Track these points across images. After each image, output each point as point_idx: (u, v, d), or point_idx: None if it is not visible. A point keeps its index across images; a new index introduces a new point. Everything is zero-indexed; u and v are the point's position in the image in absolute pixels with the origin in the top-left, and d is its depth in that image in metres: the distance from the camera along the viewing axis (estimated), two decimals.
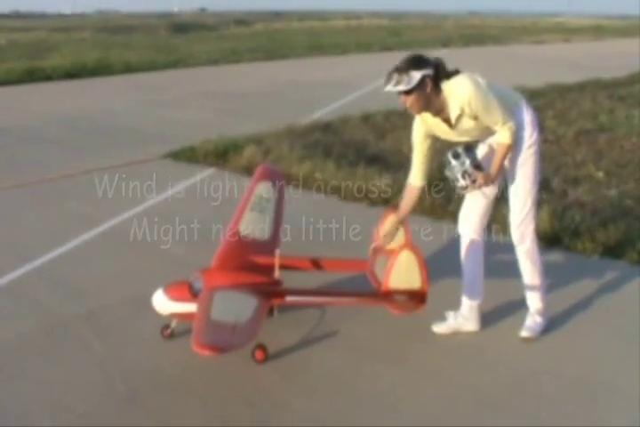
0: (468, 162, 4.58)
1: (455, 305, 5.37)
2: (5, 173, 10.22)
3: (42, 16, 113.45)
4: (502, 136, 4.51)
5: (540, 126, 4.86)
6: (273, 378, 4.56)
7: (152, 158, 10.91)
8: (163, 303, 4.86)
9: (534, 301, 5.11)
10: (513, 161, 4.73)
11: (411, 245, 4.94)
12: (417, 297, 4.80)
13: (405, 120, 12.31)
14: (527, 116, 4.68)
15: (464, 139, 4.73)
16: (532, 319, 5.11)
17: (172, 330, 4.89)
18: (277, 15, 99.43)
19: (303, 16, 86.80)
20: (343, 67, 25.11)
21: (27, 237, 7.38)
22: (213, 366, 4.67)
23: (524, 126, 4.65)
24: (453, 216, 7.14)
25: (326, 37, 40.37)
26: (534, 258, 4.97)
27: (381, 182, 8.34)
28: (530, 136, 4.67)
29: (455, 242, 6.67)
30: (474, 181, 4.61)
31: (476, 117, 4.49)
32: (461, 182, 4.64)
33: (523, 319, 5.16)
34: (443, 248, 6.73)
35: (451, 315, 5.24)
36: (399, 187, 8.03)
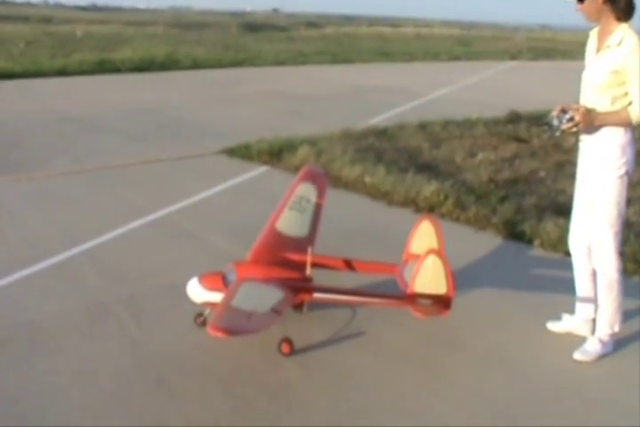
0: (566, 116, 4.53)
1: (486, 315, 5.48)
2: (67, 159, 10.58)
3: (118, 10, 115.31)
4: (633, 110, 4.48)
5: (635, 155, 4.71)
6: (297, 372, 4.66)
7: (208, 153, 11.13)
8: (196, 292, 5.02)
9: (603, 326, 4.96)
10: (598, 180, 4.70)
11: (438, 250, 5.02)
12: (442, 302, 4.85)
13: (462, 130, 12.44)
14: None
15: (589, 93, 4.67)
16: (593, 344, 4.96)
17: (204, 318, 5.03)
18: (348, 19, 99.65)
19: (374, 21, 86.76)
20: (408, 74, 25.13)
21: (80, 221, 7.63)
22: (240, 356, 4.81)
23: (626, 145, 4.62)
24: (496, 228, 7.27)
25: (395, 44, 40.37)
26: (611, 282, 4.83)
27: (428, 189, 8.38)
28: (621, 156, 4.61)
29: (494, 254, 6.80)
30: (570, 119, 4.50)
31: (618, 72, 4.47)
32: (556, 122, 4.55)
33: (571, 339, 5.12)
34: (480, 259, 6.77)
35: (566, 316, 5.28)
36: (445, 195, 8.15)
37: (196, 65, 24.93)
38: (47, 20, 53.74)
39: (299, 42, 39.76)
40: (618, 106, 4.55)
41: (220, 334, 4.06)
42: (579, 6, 4.62)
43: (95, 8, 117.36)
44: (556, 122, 4.56)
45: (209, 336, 4.10)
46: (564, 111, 4.55)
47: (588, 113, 4.53)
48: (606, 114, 4.56)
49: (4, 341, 5.00)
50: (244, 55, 28.33)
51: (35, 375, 4.56)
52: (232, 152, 11.11)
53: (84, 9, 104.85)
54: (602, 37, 4.65)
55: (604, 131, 4.59)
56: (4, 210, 8.00)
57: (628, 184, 4.70)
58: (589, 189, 4.79)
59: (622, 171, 4.62)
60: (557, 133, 4.64)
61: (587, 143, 4.76)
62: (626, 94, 4.53)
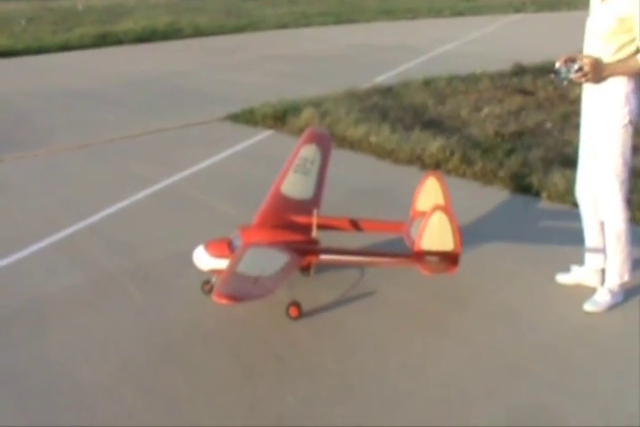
0: (575, 65, 4.46)
1: (495, 270, 5.46)
2: (72, 133, 10.57)
3: None
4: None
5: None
6: (305, 335, 4.66)
7: (212, 120, 11.07)
8: (203, 259, 5.00)
9: (612, 277, 4.92)
10: (602, 130, 4.63)
11: (444, 206, 4.97)
12: (449, 259, 4.80)
13: (467, 85, 12.32)
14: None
15: (593, 41, 4.56)
16: (602, 295, 4.92)
17: (211, 285, 5.01)
18: None
19: None
20: (412, 31, 24.82)
21: (84, 195, 7.62)
22: (248, 321, 4.81)
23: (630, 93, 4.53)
24: (503, 182, 7.21)
25: (397, 2, 39.82)
26: (619, 232, 4.77)
27: (434, 146, 8.30)
28: (625, 105, 4.52)
29: (502, 208, 6.75)
30: (579, 69, 4.40)
31: (624, 19, 4.35)
32: (564, 71, 4.45)
33: (581, 291, 5.08)
34: (487, 213, 6.72)
35: (575, 268, 5.24)
36: (451, 150, 8.08)
37: (198, 33, 24.73)
38: None
39: (301, 4, 39.25)
40: (623, 54, 4.45)
41: (224, 301, 4.04)
42: None
43: None
44: (563, 71, 4.47)
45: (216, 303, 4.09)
46: (571, 61, 4.46)
47: (597, 63, 4.43)
48: (615, 64, 4.46)
49: (13, 317, 5.02)
50: (246, 20, 28.08)
51: (44, 350, 4.58)
52: (236, 118, 11.05)
53: None
54: None
55: (608, 80, 4.50)
56: (9, 188, 8.01)
57: (633, 133, 4.61)
58: (594, 140, 4.72)
59: (626, 120, 4.54)
60: (565, 83, 4.57)
61: (590, 93, 4.68)
62: (631, 42, 4.42)
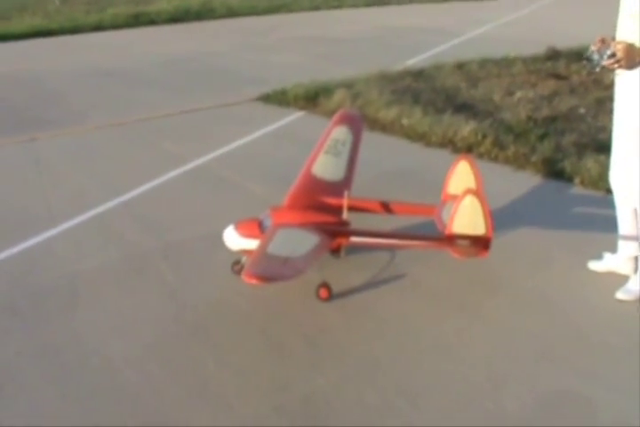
0: (607, 51, 4.40)
1: (527, 256, 5.45)
2: (105, 112, 10.65)
3: None
4: None
5: None
6: (335, 317, 4.67)
7: (244, 101, 11.07)
8: (233, 239, 5.02)
9: None
10: (634, 116, 4.54)
11: (475, 190, 4.94)
12: (481, 243, 4.79)
13: (500, 68, 12.22)
14: None
15: (627, 23, 4.45)
16: (636, 283, 4.88)
17: (241, 265, 5.02)
18: None
19: None
20: (445, 13, 24.58)
21: (117, 174, 7.69)
22: (278, 302, 4.83)
23: None
24: (536, 167, 7.16)
25: None
26: None
27: (466, 129, 8.26)
28: None
29: (534, 193, 6.71)
30: (612, 55, 4.30)
31: None
32: (596, 57, 4.36)
33: (613, 279, 5.03)
34: (519, 198, 6.69)
35: (608, 255, 5.19)
36: (483, 134, 8.03)
37: (231, 13, 24.68)
38: None
39: None
40: None
41: (254, 281, 4.06)
42: None
43: None
44: (596, 56, 4.39)
45: (246, 283, 4.10)
46: (603, 44, 4.39)
47: (631, 48, 4.31)
48: None
49: (46, 293, 5.09)
50: (279, 2, 27.94)
51: (77, 326, 4.64)
52: (268, 98, 11.05)
53: None
54: None
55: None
56: (43, 166, 8.08)
57: None
58: (627, 126, 4.65)
59: None
60: (598, 69, 4.48)
61: (622, 78, 4.61)
62: None
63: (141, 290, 5.10)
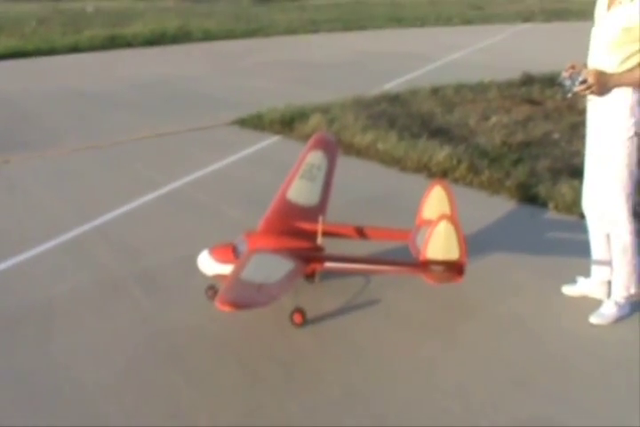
0: (579, 78, 4.43)
1: (501, 281, 5.47)
2: (80, 135, 10.62)
3: None
4: None
5: None
6: (309, 342, 4.64)
7: (220, 124, 11.09)
8: (207, 264, 5.00)
9: (618, 289, 4.89)
10: (607, 142, 4.59)
11: (450, 215, 4.95)
12: (455, 268, 4.78)
13: (475, 94, 12.32)
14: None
15: (599, 51, 4.53)
16: (609, 307, 4.89)
17: (215, 290, 4.98)
18: None
19: None
20: (421, 39, 24.84)
21: (91, 197, 7.64)
22: (252, 327, 4.80)
23: (635, 105, 4.47)
24: (510, 192, 7.20)
25: (407, 9, 39.84)
26: (625, 244, 4.75)
27: (441, 154, 8.30)
28: (630, 117, 4.47)
29: (508, 218, 6.74)
30: (583, 82, 4.36)
31: (630, 29, 4.31)
32: (568, 83, 4.41)
33: (587, 303, 5.05)
34: (494, 223, 6.71)
35: (581, 280, 5.21)
36: (458, 159, 8.07)
37: (207, 37, 24.79)
38: None
39: (310, 10, 39.32)
40: (628, 64, 4.41)
41: (228, 308, 4.03)
42: None
43: None
44: (568, 83, 4.44)
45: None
46: (574, 70, 4.44)
47: (602, 75, 4.39)
48: (620, 74, 4.41)
49: (18, 319, 5.02)
50: (255, 26, 28.13)
51: (49, 352, 4.58)
52: (244, 123, 11.06)
53: None
54: None
55: (613, 91, 4.48)
56: (17, 189, 8.03)
57: (638, 145, 4.58)
58: (599, 151, 4.69)
59: (632, 132, 4.49)
60: (570, 95, 4.52)
61: (595, 104, 4.65)
62: (638, 52, 4.36)
63: (115, 315, 5.05)
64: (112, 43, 22.46)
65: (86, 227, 6.73)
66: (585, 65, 4.52)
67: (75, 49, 21.34)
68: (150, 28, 25.04)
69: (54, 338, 4.75)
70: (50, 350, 4.61)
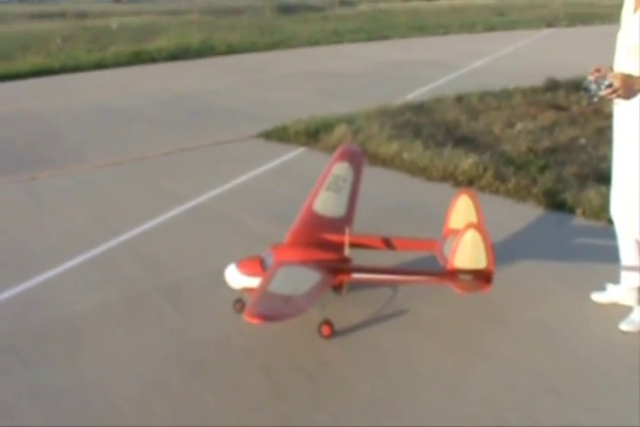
0: (605, 82, 4.38)
1: (530, 288, 5.43)
2: (105, 151, 10.66)
3: (152, 0, 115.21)
4: None
5: None
6: (337, 354, 4.62)
7: (245, 138, 11.11)
8: (234, 278, 5.00)
9: None
10: (634, 146, 4.53)
11: (476, 224, 4.93)
12: (482, 277, 4.76)
13: (499, 101, 12.27)
14: None
15: (624, 54, 4.49)
16: (639, 314, 4.86)
17: (243, 303, 4.99)
18: None
19: None
20: (444, 47, 24.82)
21: (117, 213, 7.67)
22: (280, 339, 4.80)
23: None
24: (537, 199, 7.15)
25: (429, 18, 39.87)
26: None
27: (467, 163, 8.26)
28: None
29: (536, 225, 6.70)
30: (609, 85, 4.28)
31: None
32: (594, 87, 4.33)
33: (617, 310, 5.00)
34: (521, 230, 6.67)
35: (611, 286, 5.17)
36: (484, 167, 8.04)
37: (231, 50, 24.90)
38: (83, 15, 53.93)
39: (333, 21, 39.45)
40: None
41: (256, 321, 4.03)
42: None
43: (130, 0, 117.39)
44: (594, 87, 4.38)
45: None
46: (600, 73, 4.39)
47: (628, 78, 4.30)
48: None
49: (47, 334, 5.04)
50: (278, 38, 28.24)
51: (78, 367, 4.60)
52: (269, 135, 11.07)
53: (118, 1, 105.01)
54: None
55: (638, 97, 4.43)
56: (44, 205, 8.08)
57: None
58: (626, 156, 4.64)
59: None
60: (595, 99, 4.45)
61: (621, 108, 4.60)
62: None
63: (143, 329, 5.06)
64: (137, 58, 22.63)
65: (113, 242, 6.76)
66: (610, 68, 4.47)
67: (100, 65, 21.50)
68: (174, 43, 25.22)
69: (82, 353, 4.77)
70: (78, 364, 4.63)
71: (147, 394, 4.26)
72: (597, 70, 4.41)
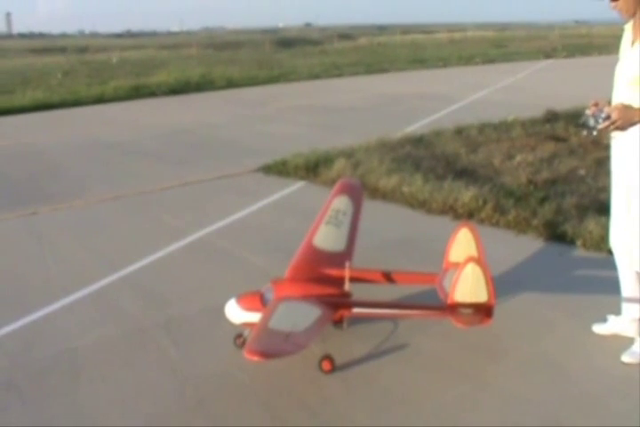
0: (602, 115, 4.40)
1: (531, 320, 5.41)
2: (106, 185, 10.69)
3: (152, 34, 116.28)
4: None
5: None
6: (338, 389, 4.59)
7: (244, 172, 11.14)
8: (235, 313, 4.99)
9: None
10: (632, 177, 4.54)
11: (477, 257, 4.92)
12: (483, 311, 4.75)
13: (499, 133, 12.32)
14: None
15: (623, 87, 4.50)
16: None
17: (244, 339, 4.97)
18: (381, 29, 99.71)
19: (407, 29, 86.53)
20: (443, 79, 25.02)
21: (118, 247, 7.67)
22: (281, 375, 4.76)
23: None
24: (537, 231, 7.15)
25: (428, 50, 40.27)
26: None
27: (467, 195, 8.27)
28: None
29: (536, 257, 6.69)
30: (607, 117, 4.31)
31: None
32: (592, 121, 4.36)
33: (618, 342, 4.98)
34: (522, 263, 6.66)
35: (612, 318, 5.15)
36: (484, 199, 8.04)
37: (230, 84, 25.11)
38: (83, 50, 54.53)
39: (332, 54, 39.85)
40: None
41: (256, 358, 4.02)
42: (612, 4, 4.49)
43: (130, 34, 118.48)
44: (592, 122, 4.40)
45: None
46: (596, 107, 4.41)
47: (627, 109, 4.33)
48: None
49: (47, 369, 5.01)
50: (278, 71, 28.49)
51: (77, 403, 4.56)
52: (268, 169, 11.10)
53: (119, 36, 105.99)
54: (637, 30, 4.50)
55: (637, 126, 4.44)
56: (44, 240, 8.08)
57: None
58: (625, 188, 4.65)
59: None
60: (594, 133, 4.46)
61: (619, 139, 4.62)
62: None
63: (143, 365, 5.03)
64: (137, 92, 22.84)
65: (113, 277, 6.74)
66: (608, 102, 4.49)
67: (100, 99, 21.68)
68: (174, 77, 25.43)
69: (82, 389, 4.73)
70: (77, 400, 4.59)
71: None
72: (595, 104, 4.43)
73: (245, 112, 18.44)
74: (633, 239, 4.66)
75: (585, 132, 4.50)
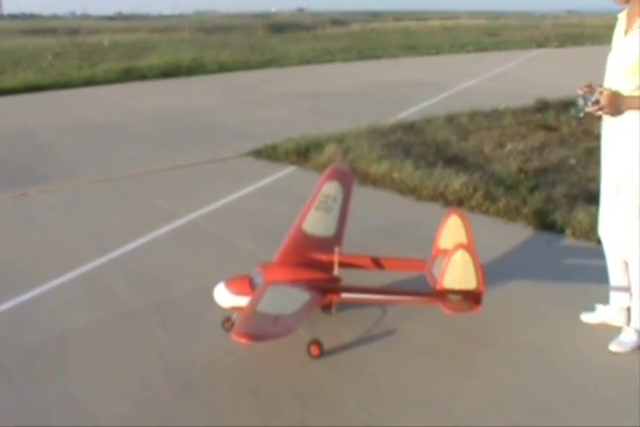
0: (592, 97, 4.40)
1: (519, 309, 5.43)
2: (96, 167, 10.64)
3: (144, 17, 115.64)
4: None
5: None
6: (327, 374, 4.60)
7: (235, 156, 11.11)
8: (223, 297, 4.98)
9: (638, 316, 4.82)
10: (622, 165, 4.56)
11: (466, 244, 4.93)
12: (472, 298, 4.76)
13: (490, 121, 12.31)
14: None
15: (615, 76, 4.51)
16: (629, 334, 4.84)
17: (232, 323, 4.97)
18: (374, 15, 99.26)
19: (400, 16, 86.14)
20: (435, 67, 24.95)
21: (107, 230, 7.65)
22: (269, 360, 4.77)
23: None
24: (527, 219, 7.16)
25: (421, 38, 40.15)
26: None
27: (457, 183, 8.27)
28: None
29: (525, 246, 6.70)
30: (596, 102, 4.33)
31: None
32: (581, 102, 4.38)
33: (606, 330, 5.00)
34: (511, 251, 6.68)
35: (600, 307, 5.17)
36: (474, 187, 8.05)
37: (222, 68, 24.96)
38: (74, 32, 54.11)
39: (325, 40, 39.69)
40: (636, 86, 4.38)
41: (244, 340, 4.02)
42: None
43: (122, 17, 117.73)
44: (581, 102, 4.41)
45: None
46: (589, 88, 4.40)
47: (615, 96, 4.34)
48: (634, 98, 4.37)
49: (35, 351, 5.01)
50: (269, 56, 28.35)
51: (65, 385, 4.57)
52: (259, 154, 11.08)
53: (110, 18, 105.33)
54: (631, 19, 4.49)
55: (628, 115, 4.44)
56: (34, 221, 8.05)
57: None
58: (614, 175, 4.66)
59: None
60: (581, 114, 4.48)
61: (609, 127, 4.62)
62: None
63: (131, 348, 5.03)
64: (127, 75, 22.65)
65: (103, 259, 6.73)
66: (600, 85, 4.48)
67: (90, 82, 21.49)
68: (165, 60, 25.29)
69: (70, 371, 4.73)
70: (66, 383, 4.59)
71: (134, 413, 4.23)
72: (588, 86, 4.43)
73: (237, 96, 18.37)
74: (621, 229, 4.67)
75: (573, 111, 4.52)
